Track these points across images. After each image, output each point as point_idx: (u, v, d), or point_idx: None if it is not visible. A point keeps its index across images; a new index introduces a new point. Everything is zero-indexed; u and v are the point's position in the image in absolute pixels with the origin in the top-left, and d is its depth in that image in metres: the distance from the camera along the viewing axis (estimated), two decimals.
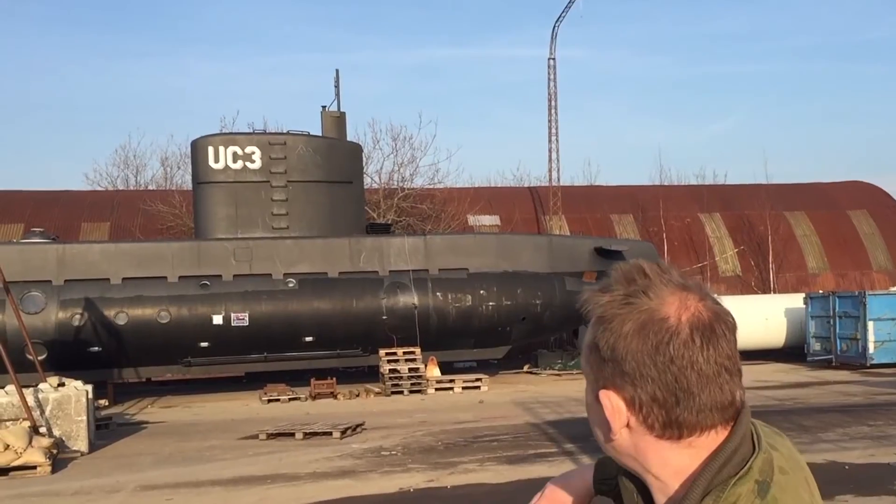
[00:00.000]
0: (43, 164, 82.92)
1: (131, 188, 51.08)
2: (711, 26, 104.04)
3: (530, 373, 31.81)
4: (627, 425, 1.48)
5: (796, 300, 32.30)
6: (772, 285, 41.30)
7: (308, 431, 17.90)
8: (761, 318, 31.46)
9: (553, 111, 43.17)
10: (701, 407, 1.44)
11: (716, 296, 1.52)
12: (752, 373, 26.91)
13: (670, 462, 1.48)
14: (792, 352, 32.16)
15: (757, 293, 39.14)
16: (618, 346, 1.46)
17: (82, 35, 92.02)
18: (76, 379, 18.73)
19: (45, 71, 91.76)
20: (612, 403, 1.47)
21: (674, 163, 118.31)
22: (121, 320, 26.41)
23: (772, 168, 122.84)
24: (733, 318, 1.51)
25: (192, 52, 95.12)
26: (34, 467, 14.39)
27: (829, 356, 30.05)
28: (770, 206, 42.56)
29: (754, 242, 42.50)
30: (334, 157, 30.01)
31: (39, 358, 22.15)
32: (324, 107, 32.00)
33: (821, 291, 33.44)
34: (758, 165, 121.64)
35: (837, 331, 29.82)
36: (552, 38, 43.88)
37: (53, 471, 14.72)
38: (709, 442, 1.47)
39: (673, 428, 1.45)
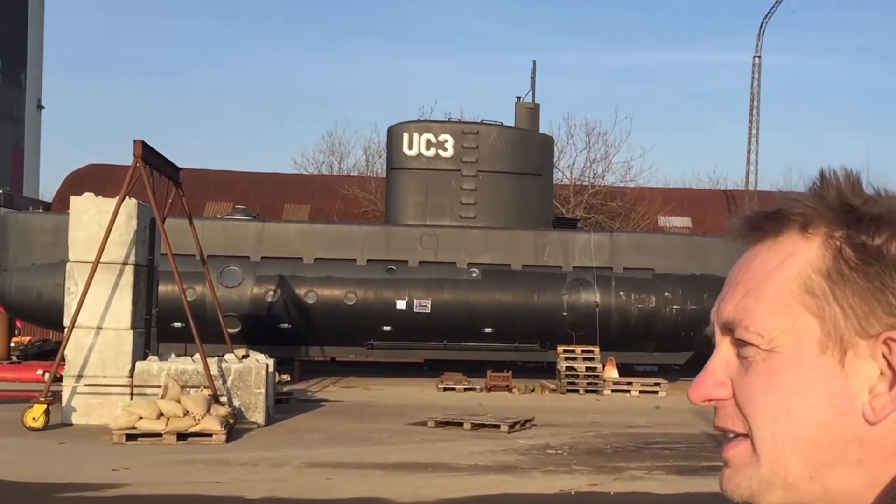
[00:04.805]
0: (257, 148, 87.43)
1: (334, 174, 52.76)
2: None
3: None
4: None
5: None
6: None
7: (476, 422, 17.82)
8: None
9: (755, 111, 41.45)
10: None
11: None
12: None
13: None
14: None
15: None
16: None
17: (309, 33, 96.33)
18: (266, 354, 19.39)
19: (271, 64, 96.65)
20: None
21: (883, 172, 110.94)
22: (310, 299, 27.26)
23: None
24: None
25: (404, 50, 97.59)
26: (210, 435, 14.95)
27: None
28: None
29: None
30: (525, 149, 29.79)
31: (233, 331, 23.20)
32: (518, 98, 31.86)
33: None
34: None
35: None
36: (759, 35, 42.11)
37: (228, 440, 15.24)
38: None
39: None
